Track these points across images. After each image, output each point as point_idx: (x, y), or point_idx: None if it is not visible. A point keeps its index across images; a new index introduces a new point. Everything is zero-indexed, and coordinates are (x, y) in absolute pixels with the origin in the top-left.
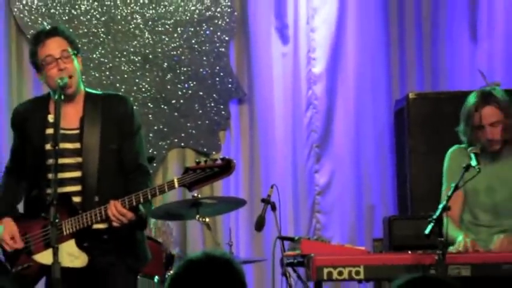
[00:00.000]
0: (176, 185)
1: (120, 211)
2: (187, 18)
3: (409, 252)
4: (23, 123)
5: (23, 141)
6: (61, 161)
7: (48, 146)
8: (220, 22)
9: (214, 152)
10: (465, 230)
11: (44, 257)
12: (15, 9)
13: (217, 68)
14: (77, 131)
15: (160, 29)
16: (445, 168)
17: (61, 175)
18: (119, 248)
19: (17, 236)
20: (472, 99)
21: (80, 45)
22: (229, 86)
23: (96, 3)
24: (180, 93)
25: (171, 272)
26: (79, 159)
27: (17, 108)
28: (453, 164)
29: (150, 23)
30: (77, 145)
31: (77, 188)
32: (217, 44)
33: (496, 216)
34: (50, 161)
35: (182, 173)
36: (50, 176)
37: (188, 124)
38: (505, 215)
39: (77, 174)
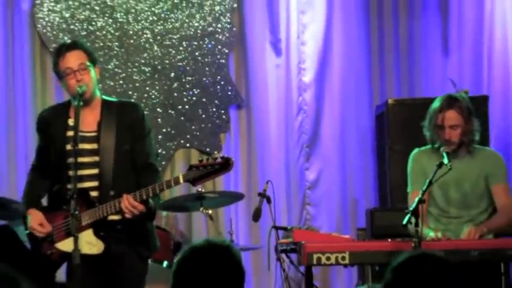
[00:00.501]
0: (181, 180)
1: (132, 204)
2: (192, 33)
3: (389, 240)
4: (47, 127)
5: (47, 143)
6: (80, 159)
7: (68, 147)
8: (220, 37)
9: (216, 152)
10: (435, 222)
11: (65, 245)
12: (39, 26)
13: (218, 77)
14: (95, 134)
15: (167, 42)
16: (408, 170)
17: (80, 172)
18: (131, 238)
19: (44, 222)
20: (438, 101)
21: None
22: (229, 93)
23: (110, 20)
24: (185, 99)
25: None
26: (96, 159)
27: (41, 114)
28: (415, 166)
29: (158, 37)
30: (95, 146)
31: (95, 183)
32: (218, 56)
33: (464, 207)
34: (70, 160)
35: (187, 170)
36: (71, 173)
37: (193, 127)
38: (472, 206)
39: (94, 171)
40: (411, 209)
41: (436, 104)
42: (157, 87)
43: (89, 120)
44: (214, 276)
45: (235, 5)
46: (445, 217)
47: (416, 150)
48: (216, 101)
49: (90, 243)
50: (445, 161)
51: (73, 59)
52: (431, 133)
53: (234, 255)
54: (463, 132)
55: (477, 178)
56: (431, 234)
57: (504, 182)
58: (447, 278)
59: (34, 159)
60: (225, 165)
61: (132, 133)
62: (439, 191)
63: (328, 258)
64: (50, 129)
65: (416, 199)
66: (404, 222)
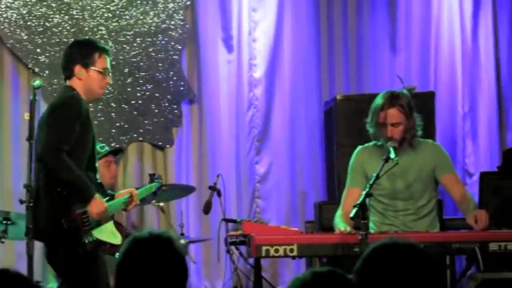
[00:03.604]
0: None
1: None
2: (146, 30)
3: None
4: (87, 118)
5: (87, 131)
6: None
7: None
8: (173, 33)
9: (168, 146)
10: (381, 217)
11: (100, 233)
12: None
13: (171, 73)
14: None
15: (122, 39)
16: (349, 167)
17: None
18: None
19: None
20: (380, 98)
21: (52, 53)
22: (181, 88)
23: (66, 16)
24: (138, 94)
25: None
26: None
27: (81, 102)
28: (355, 164)
29: (113, 34)
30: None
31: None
32: (171, 52)
33: (410, 200)
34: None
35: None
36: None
37: (146, 121)
38: (416, 198)
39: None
40: (358, 202)
41: (378, 102)
42: (111, 82)
43: None
44: (157, 267)
45: (188, 3)
46: (392, 211)
47: (359, 148)
48: (168, 96)
49: (113, 234)
50: (392, 155)
51: (109, 62)
52: (374, 130)
53: (175, 245)
54: (405, 129)
55: (419, 171)
56: (341, 226)
57: (453, 172)
58: (418, 266)
59: (67, 143)
60: None
61: None
62: (386, 185)
63: (276, 251)
64: (88, 121)
65: (363, 193)
66: (352, 215)
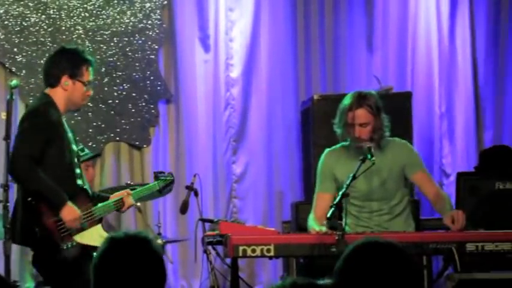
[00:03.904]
0: None
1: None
2: (122, 29)
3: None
4: (60, 126)
5: (61, 140)
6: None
7: (74, 147)
8: (150, 33)
9: (145, 145)
10: (355, 219)
11: (84, 238)
12: None
13: (148, 72)
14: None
15: (99, 38)
16: (317, 171)
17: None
18: None
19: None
20: (348, 99)
21: (29, 52)
22: (158, 88)
23: (43, 16)
24: (115, 94)
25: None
26: None
27: (52, 114)
28: (324, 168)
29: (90, 33)
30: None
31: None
32: (148, 52)
33: (383, 200)
34: (75, 160)
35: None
36: (78, 171)
37: (123, 121)
38: (389, 198)
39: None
40: (335, 202)
41: (346, 102)
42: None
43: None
44: (135, 267)
45: (165, 2)
46: (366, 212)
47: (326, 151)
48: (145, 96)
49: (101, 237)
50: (369, 155)
51: (92, 75)
52: (342, 130)
53: (153, 246)
54: (373, 129)
55: (390, 171)
56: (316, 227)
57: (423, 169)
58: (400, 265)
59: (35, 152)
60: None
61: None
62: (360, 186)
63: (253, 251)
64: (61, 129)
65: (340, 193)
66: (329, 215)
